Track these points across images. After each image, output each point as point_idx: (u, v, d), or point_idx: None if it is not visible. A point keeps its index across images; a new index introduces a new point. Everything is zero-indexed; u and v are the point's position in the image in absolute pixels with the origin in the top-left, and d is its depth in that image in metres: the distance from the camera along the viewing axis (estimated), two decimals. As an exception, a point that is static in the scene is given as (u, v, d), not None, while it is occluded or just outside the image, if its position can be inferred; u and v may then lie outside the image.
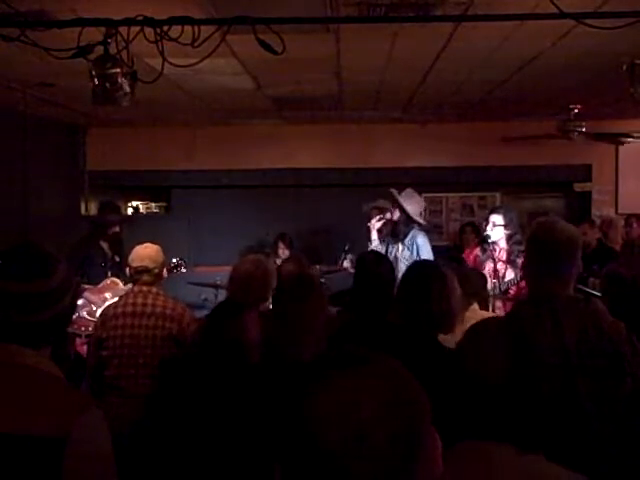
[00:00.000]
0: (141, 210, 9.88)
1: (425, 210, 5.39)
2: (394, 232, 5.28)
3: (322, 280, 5.67)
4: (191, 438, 2.18)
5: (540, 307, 2.24)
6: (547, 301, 2.24)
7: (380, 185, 5.83)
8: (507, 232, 4.84)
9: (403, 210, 5.14)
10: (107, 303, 4.49)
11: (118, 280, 5.17)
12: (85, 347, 4.23)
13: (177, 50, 3.16)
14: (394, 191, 5.28)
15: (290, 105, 6.70)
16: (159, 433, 2.32)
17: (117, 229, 5.81)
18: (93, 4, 3.39)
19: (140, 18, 3.15)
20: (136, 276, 3.73)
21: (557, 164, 8.22)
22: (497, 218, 4.91)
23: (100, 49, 3.28)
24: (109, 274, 5.38)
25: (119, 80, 3.37)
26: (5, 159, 6.56)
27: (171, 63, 3.26)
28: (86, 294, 5.00)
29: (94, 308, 4.89)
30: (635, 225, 7.13)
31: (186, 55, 3.24)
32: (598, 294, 3.50)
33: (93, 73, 3.39)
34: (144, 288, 3.69)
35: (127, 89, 3.43)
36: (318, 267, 6.26)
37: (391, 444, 0.82)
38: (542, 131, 7.31)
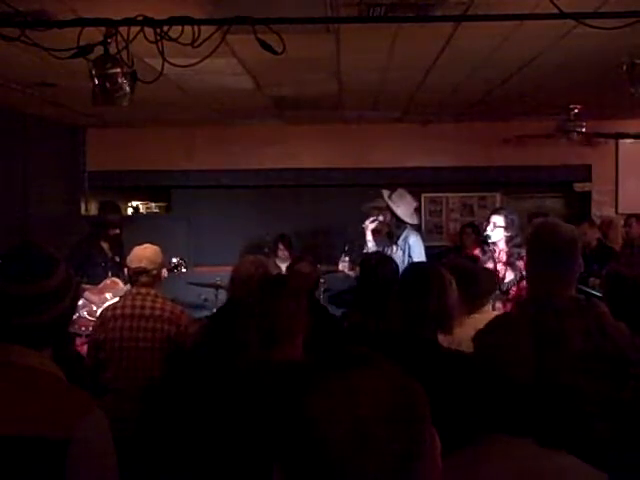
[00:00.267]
0: (141, 210, 9.89)
1: (417, 210, 5.40)
2: (389, 233, 5.31)
3: (322, 280, 5.68)
4: (191, 438, 2.18)
5: (542, 308, 2.23)
6: (549, 301, 2.24)
7: (380, 185, 5.82)
8: (507, 234, 4.84)
9: (392, 212, 5.18)
10: (107, 303, 4.50)
11: (118, 280, 5.17)
12: (85, 347, 4.23)
13: (177, 50, 3.16)
14: (385, 192, 5.31)
15: (290, 105, 6.70)
16: (159, 433, 2.33)
17: (117, 229, 5.81)
18: (93, 4, 3.39)
19: (140, 18, 3.15)
20: (134, 277, 3.73)
21: (557, 164, 8.22)
22: (498, 219, 4.91)
23: (100, 49, 3.28)
24: (109, 274, 5.38)
25: (119, 80, 3.37)
26: (5, 159, 6.56)
27: (171, 63, 3.26)
28: (86, 294, 5.00)
29: (94, 308, 4.89)
30: (635, 225, 7.13)
31: (186, 55, 3.24)
32: (598, 294, 3.50)
33: (93, 73, 3.38)
34: (142, 290, 3.69)
35: (127, 89, 3.43)
36: (318, 267, 6.26)
37: (391, 444, 0.82)
38: (542, 131, 7.31)
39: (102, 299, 4.97)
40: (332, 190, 8.45)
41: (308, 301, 3.73)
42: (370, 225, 5.53)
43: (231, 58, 4.61)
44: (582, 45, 4.30)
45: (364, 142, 8.22)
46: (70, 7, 3.44)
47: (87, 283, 5.14)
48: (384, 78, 5.47)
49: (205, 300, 6.34)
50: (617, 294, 3.12)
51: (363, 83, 5.68)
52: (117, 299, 4.11)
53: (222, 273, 4.63)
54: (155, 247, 3.85)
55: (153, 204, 9.97)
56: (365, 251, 5.53)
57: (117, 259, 5.64)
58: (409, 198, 5.32)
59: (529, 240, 2.47)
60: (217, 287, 6.02)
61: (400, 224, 5.22)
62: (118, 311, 3.65)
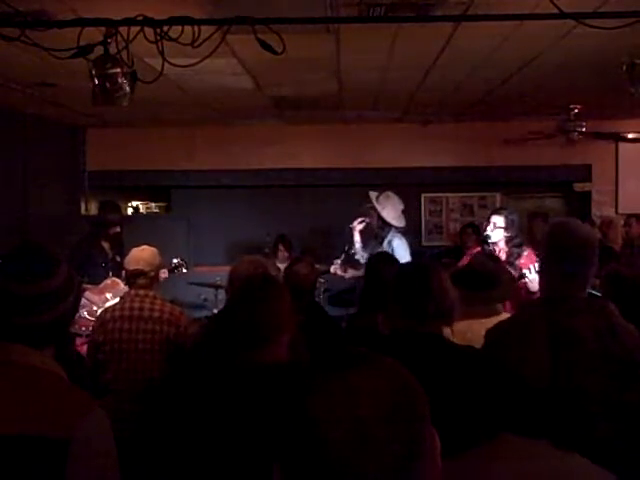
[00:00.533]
0: (141, 210, 9.90)
1: (403, 212, 5.39)
2: (376, 235, 5.32)
3: (322, 280, 5.69)
4: (191, 438, 2.18)
5: (556, 308, 2.21)
6: (562, 302, 2.21)
7: (380, 185, 5.82)
8: (507, 234, 4.83)
9: (378, 214, 5.19)
10: (108, 303, 4.49)
11: (119, 280, 5.16)
12: (85, 347, 4.24)
13: (177, 50, 3.16)
14: (372, 194, 5.31)
15: (290, 105, 6.70)
16: (159, 433, 2.32)
17: (118, 229, 5.80)
18: (93, 4, 3.39)
19: (140, 18, 3.15)
20: (132, 279, 3.72)
21: (557, 164, 8.22)
22: (498, 220, 4.90)
23: (100, 49, 3.28)
24: (110, 274, 5.38)
25: (119, 80, 3.37)
26: (5, 159, 6.56)
27: (171, 63, 3.26)
28: (87, 294, 5.00)
29: (95, 308, 4.89)
30: (635, 225, 7.13)
31: (186, 55, 3.24)
32: (598, 294, 3.50)
33: (93, 73, 3.39)
34: (140, 292, 3.67)
35: (127, 89, 3.43)
36: (318, 267, 6.26)
37: (391, 444, 0.82)
38: (542, 131, 7.31)
39: (103, 299, 4.96)
40: (332, 190, 8.45)
41: (306, 301, 3.74)
42: (358, 226, 5.54)
43: (231, 58, 4.61)
44: (582, 45, 4.30)
45: (364, 142, 8.22)
46: (70, 7, 3.44)
47: (88, 283, 5.13)
48: (384, 78, 5.47)
49: (205, 300, 6.34)
50: (617, 294, 3.11)
51: (363, 83, 5.69)
52: (117, 300, 4.11)
53: (222, 273, 4.63)
54: (152, 249, 3.83)
55: (153, 204, 9.99)
56: (352, 252, 5.53)
57: (118, 259, 5.63)
58: (396, 200, 5.31)
59: (545, 239, 2.41)
60: (217, 287, 6.02)
61: (384, 226, 5.22)
62: (117, 313, 3.64)
